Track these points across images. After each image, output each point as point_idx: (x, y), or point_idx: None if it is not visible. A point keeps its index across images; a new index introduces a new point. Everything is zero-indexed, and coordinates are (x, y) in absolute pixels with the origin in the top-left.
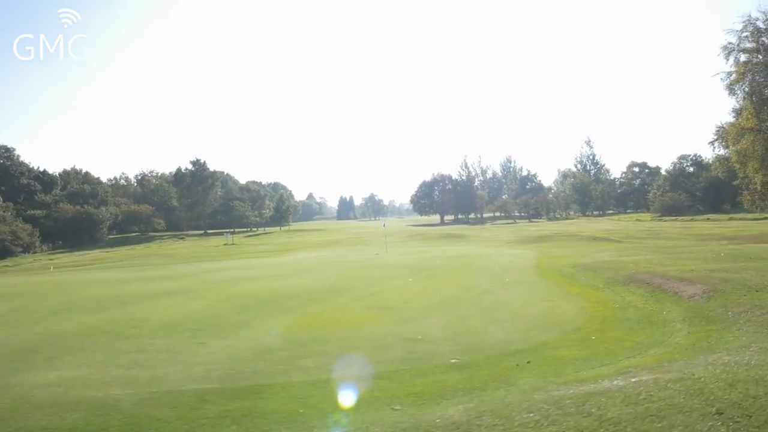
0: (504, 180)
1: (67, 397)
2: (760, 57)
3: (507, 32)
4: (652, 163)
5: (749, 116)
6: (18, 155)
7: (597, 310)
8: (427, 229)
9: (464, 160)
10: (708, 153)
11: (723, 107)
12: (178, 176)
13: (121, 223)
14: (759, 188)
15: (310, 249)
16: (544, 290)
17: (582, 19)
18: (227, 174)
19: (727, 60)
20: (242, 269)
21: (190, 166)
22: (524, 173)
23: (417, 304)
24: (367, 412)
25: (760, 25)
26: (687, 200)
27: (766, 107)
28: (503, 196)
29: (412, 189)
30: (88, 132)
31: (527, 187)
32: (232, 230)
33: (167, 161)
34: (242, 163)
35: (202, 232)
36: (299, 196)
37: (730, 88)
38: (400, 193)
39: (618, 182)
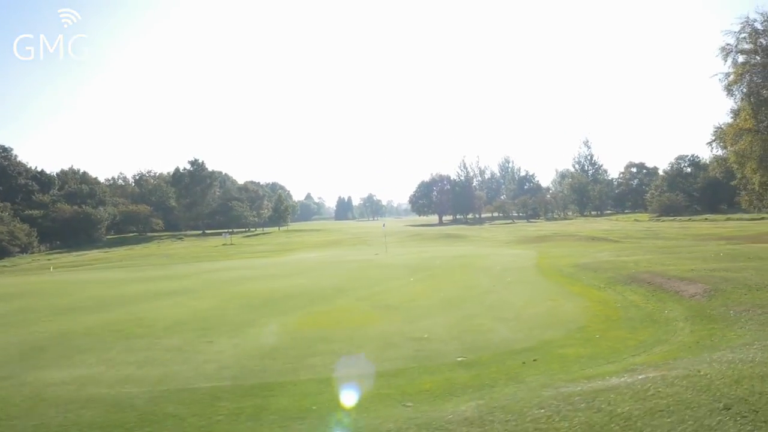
0: (502, 180)
1: (81, 395)
2: (758, 58)
3: (506, 33)
4: (649, 164)
5: (747, 117)
6: (15, 155)
7: (599, 309)
8: (426, 229)
9: (462, 161)
10: (705, 153)
11: (720, 108)
12: (177, 176)
13: (119, 223)
14: (757, 188)
15: (309, 249)
16: (546, 290)
17: (580, 19)
18: (225, 174)
19: (725, 61)
20: (243, 269)
21: (188, 166)
22: (522, 173)
23: (421, 304)
24: (378, 409)
25: (758, 26)
26: (684, 200)
27: (764, 108)
28: (501, 197)
29: (411, 189)
30: (85, 132)
31: (525, 187)
32: (230, 230)
33: (165, 161)
34: (240, 163)
35: (200, 232)
36: (297, 196)
37: (728, 89)
38: (398, 193)
39: (616, 182)
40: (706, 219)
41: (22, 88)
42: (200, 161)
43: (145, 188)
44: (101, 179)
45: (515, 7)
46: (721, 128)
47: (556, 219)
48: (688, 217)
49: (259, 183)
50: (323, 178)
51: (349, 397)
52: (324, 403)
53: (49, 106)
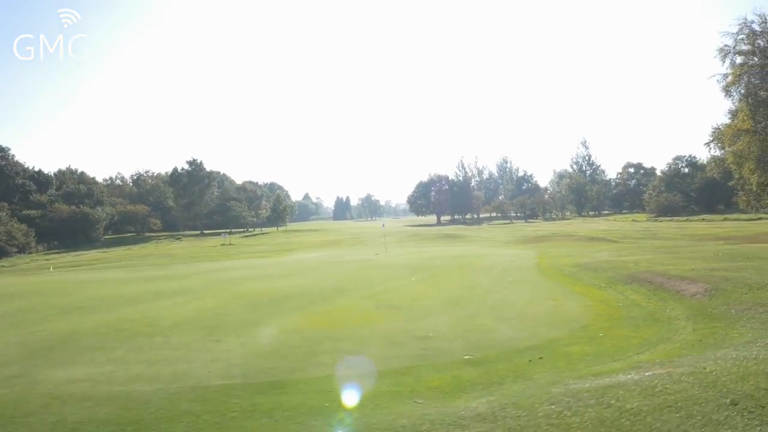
0: (500, 180)
1: (95, 393)
2: (756, 59)
3: (504, 33)
4: (647, 164)
5: (745, 118)
6: (13, 155)
7: (601, 308)
8: (425, 230)
9: (461, 161)
10: (703, 154)
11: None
12: (175, 176)
13: (117, 223)
14: (754, 189)
15: (309, 249)
16: (547, 289)
17: (578, 20)
18: (224, 174)
19: (723, 62)
20: (244, 269)
21: (186, 166)
22: (520, 174)
23: (424, 303)
24: (390, 405)
25: (756, 27)
26: (682, 201)
27: (761, 109)
28: (499, 197)
29: (409, 189)
30: (83, 132)
31: (523, 187)
32: (229, 230)
33: (163, 161)
34: (239, 164)
35: (198, 232)
36: (295, 196)
37: (726, 90)
38: (396, 193)
39: (613, 183)
40: (703, 219)
41: (21, 87)
42: (198, 161)
43: (143, 188)
44: (99, 179)
45: (514, 8)
46: (719, 129)
47: (554, 219)
48: (686, 218)
49: (257, 183)
50: (321, 178)
51: (360, 395)
52: (336, 400)
53: (48, 105)
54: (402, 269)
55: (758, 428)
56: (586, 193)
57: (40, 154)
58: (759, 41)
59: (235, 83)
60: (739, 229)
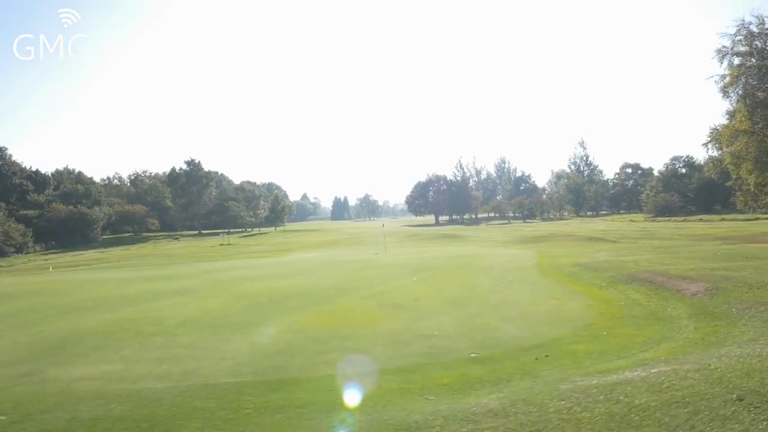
0: (498, 181)
1: (107, 390)
2: (754, 60)
3: (502, 33)
4: (645, 165)
5: (743, 118)
6: (10, 155)
7: (603, 307)
8: (423, 230)
9: (459, 161)
10: (700, 154)
11: (716, 109)
12: (173, 176)
13: (115, 223)
14: (752, 189)
15: (308, 249)
16: (548, 289)
17: (577, 20)
18: (222, 174)
19: (721, 63)
20: (244, 269)
21: (184, 166)
22: (518, 174)
23: (427, 303)
24: (401, 402)
25: (754, 29)
26: (679, 201)
27: (759, 110)
28: (498, 197)
29: (407, 189)
30: (81, 132)
31: (521, 187)
32: (227, 230)
33: (161, 161)
34: (237, 164)
35: (196, 232)
36: (293, 196)
37: (724, 91)
38: (394, 193)
39: (611, 183)
40: (701, 219)
41: (20, 87)
42: (196, 161)
43: (140, 188)
44: (96, 179)
45: (512, 8)
46: (717, 129)
47: (552, 219)
48: (683, 218)
49: (255, 183)
50: (319, 178)
51: (370, 392)
52: (347, 397)
53: (47, 105)
54: (402, 269)
55: (765, 423)
56: (583, 193)
57: (38, 154)
58: (756, 42)
59: (233, 83)
60: (737, 230)
